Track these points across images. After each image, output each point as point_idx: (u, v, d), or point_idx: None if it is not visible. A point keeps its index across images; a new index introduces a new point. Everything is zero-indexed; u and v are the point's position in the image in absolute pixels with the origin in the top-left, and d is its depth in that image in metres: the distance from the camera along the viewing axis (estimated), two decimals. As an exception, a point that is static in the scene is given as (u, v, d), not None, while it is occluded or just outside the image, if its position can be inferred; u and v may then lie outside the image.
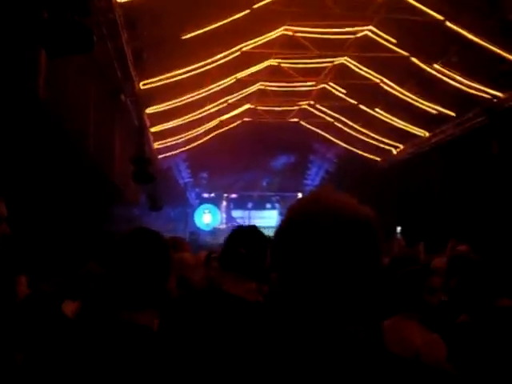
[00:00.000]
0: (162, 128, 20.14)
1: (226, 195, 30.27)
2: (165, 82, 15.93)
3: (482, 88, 16.46)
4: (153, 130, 19.75)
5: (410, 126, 20.91)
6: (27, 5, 7.00)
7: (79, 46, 6.24)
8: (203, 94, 18.48)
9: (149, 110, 17.44)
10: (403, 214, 22.52)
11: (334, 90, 20.99)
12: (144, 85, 15.69)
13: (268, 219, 30.81)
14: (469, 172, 18.25)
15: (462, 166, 18.88)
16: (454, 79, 16.52)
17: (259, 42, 16.47)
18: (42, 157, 10.19)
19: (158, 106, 17.77)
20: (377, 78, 18.70)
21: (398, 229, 22.24)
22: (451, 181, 19.77)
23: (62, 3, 6.05)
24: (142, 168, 16.52)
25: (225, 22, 14.11)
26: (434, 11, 14.42)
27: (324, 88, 21.04)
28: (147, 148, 18.90)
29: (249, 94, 21.13)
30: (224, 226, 30.05)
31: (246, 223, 29.76)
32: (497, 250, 7.79)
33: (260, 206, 30.71)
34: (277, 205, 30.79)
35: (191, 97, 18.13)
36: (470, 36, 14.56)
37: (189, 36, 14.09)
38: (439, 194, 20.99)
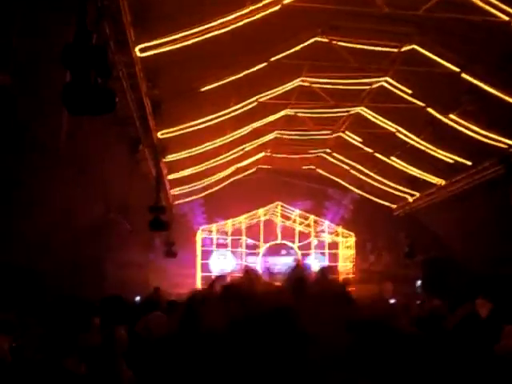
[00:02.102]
0: (179, 176, 20.30)
1: (240, 241, 30.19)
2: (183, 131, 16.11)
3: (498, 138, 16.48)
4: (170, 177, 19.90)
5: (426, 174, 20.92)
6: (52, 64, 7.16)
7: (101, 108, 6.38)
8: (220, 143, 18.63)
9: (167, 159, 17.61)
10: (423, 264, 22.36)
11: (350, 139, 21.10)
12: (162, 134, 15.89)
13: (283, 266, 30.66)
14: (485, 222, 18.14)
15: (478, 215, 18.76)
16: (469, 129, 16.56)
17: (276, 93, 16.66)
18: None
19: (175, 155, 17.95)
20: (392, 127, 18.79)
21: (418, 282, 22.09)
22: (467, 230, 19.63)
23: (85, 66, 6.19)
24: (158, 216, 16.60)
25: (242, 74, 14.31)
26: (450, 63, 14.57)
27: (340, 137, 21.16)
28: (163, 195, 19.04)
29: (265, 142, 21.28)
30: (239, 273, 29.91)
31: (260, 270, 29.66)
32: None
33: (275, 252, 30.55)
34: (292, 251, 30.64)
35: (208, 145, 18.29)
36: (486, 87, 14.66)
37: (207, 88, 14.28)
38: (455, 242, 20.85)
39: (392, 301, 17.85)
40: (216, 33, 11.80)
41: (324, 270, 4.26)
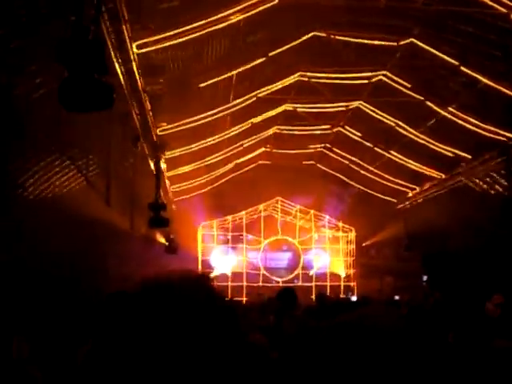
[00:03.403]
0: (179, 172, 20.31)
1: (241, 237, 30.17)
2: (182, 127, 16.11)
3: (498, 130, 16.46)
4: (170, 174, 19.90)
5: (426, 168, 20.92)
6: (48, 59, 7.15)
7: (99, 103, 6.36)
8: (219, 139, 18.63)
9: (166, 155, 17.59)
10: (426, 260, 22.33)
11: (349, 134, 21.08)
12: (161, 131, 15.89)
13: (284, 261, 30.69)
14: (486, 213, 18.14)
15: (478, 208, 18.77)
16: (469, 122, 16.54)
17: (275, 88, 16.64)
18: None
19: (175, 151, 17.95)
20: (392, 121, 18.76)
21: (425, 277, 22.11)
22: (467, 223, 19.62)
23: (82, 60, 6.17)
24: (158, 213, 16.61)
25: (241, 69, 14.30)
26: (448, 56, 14.55)
27: (339, 131, 21.15)
28: (164, 192, 19.05)
29: (264, 138, 21.28)
30: (240, 269, 29.88)
31: (262, 265, 29.68)
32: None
33: (276, 247, 30.55)
34: (293, 246, 30.63)
35: (208, 141, 18.30)
36: (485, 80, 14.63)
37: (206, 84, 14.27)
38: (457, 236, 20.84)
39: (396, 297, 17.84)
40: (214, 28, 11.79)
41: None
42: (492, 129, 16.37)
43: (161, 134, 15.97)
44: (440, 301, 10.25)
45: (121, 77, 11.56)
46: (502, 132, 16.42)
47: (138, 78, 12.12)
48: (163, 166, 17.96)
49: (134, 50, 11.35)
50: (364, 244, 29.24)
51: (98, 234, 13.20)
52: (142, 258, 19.26)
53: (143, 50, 11.58)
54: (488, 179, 18.47)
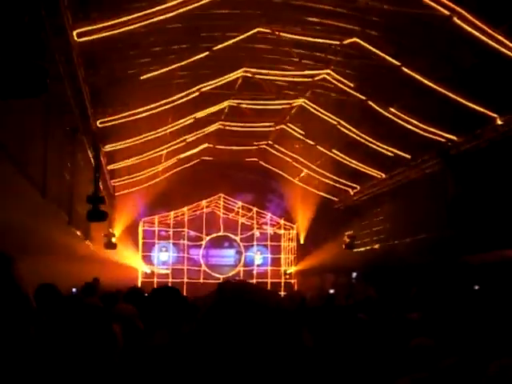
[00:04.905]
0: (120, 166, 19.95)
1: (183, 233, 29.93)
2: (123, 120, 15.80)
3: (437, 132, 16.76)
4: (110, 167, 19.53)
5: (367, 167, 21.15)
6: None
7: (32, 89, 6.07)
8: (162, 133, 18.36)
9: (106, 148, 17.24)
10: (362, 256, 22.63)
11: (292, 131, 21.14)
12: (101, 123, 15.52)
13: (225, 258, 30.58)
14: (424, 214, 18.48)
15: (417, 207, 19.11)
16: (409, 123, 16.78)
17: (219, 83, 16.48)
18: None
19: (115, 144, 17.61)
20: (334, 120, 18.88)
21: (354, 274, 22.40)
22: (407, 221, 19.96)
23: (16, 45, 5.91)
24: (97, 206, 16.24)
25: (184, 62, 14.12)
26: (390, 56, 14.71)
27: (282, 129, 21.18)
28: (104, 185, 18.69)
29: (207, 134, 21.10)
30: (181, 265, 29.65)
31: (203, 262, 29.56)
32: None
33: (217, 244, 30.44)
34: (234, 243, 30.57)
35: (150, 135, 18.00)
36: (426, 81, 14.85)
37: (148, 76, 14.03)
38: (394, 234, 21.19)
39: (331, 291, 17.97)
40: (157, 19, 11.57)
41: None
42: (431, 129, 16.65)
43: (101, 126, 15.60)
44: (372, 296, 10.35)
45: (60, 66, 11.24)
46: (440, 133, 16.73)
47: (77, 67, 11.80)
48: (103, 159, 17.61)
49: (75, 38, 11.03)
50: (305, 241, 29.39)
51: (31, 228, 12.78)
52: (80, 254, 18.85)
53: (84, 39, 11.25)
54: (426, 179, 18.77)
